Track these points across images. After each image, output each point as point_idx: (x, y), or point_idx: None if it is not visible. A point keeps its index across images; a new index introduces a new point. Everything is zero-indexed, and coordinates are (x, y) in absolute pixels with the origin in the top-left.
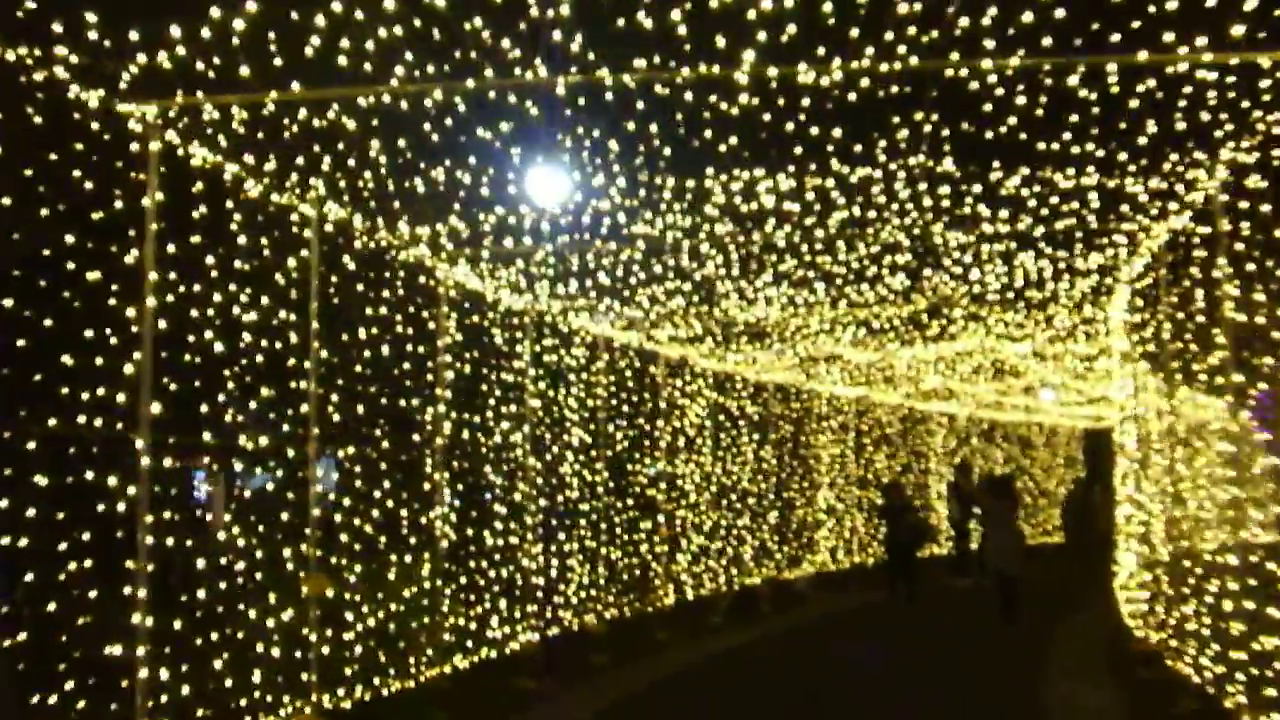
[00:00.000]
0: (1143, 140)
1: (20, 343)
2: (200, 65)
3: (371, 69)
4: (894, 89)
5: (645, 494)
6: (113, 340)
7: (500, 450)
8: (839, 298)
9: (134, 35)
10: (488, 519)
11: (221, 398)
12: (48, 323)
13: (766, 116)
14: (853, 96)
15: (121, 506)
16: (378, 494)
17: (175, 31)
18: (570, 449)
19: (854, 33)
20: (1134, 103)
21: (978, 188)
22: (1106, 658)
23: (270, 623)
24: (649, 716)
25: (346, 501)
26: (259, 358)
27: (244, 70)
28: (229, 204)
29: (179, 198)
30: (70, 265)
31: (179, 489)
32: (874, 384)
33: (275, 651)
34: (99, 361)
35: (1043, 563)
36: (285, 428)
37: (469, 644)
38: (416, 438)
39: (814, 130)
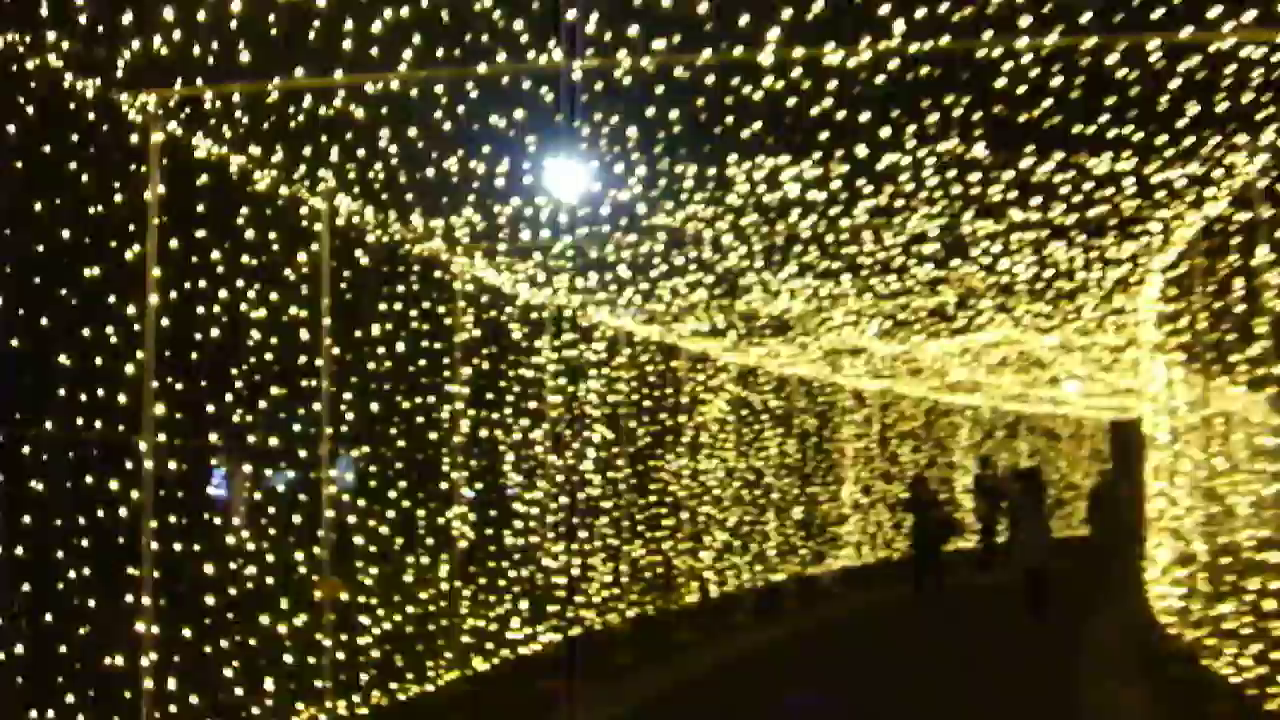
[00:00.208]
0: (1182, 123)
1: (14, 343)
2: (197, 50)
3: (378, 53)
4: (924, 71)
5: (668, 490)
6: (113, 339)
7: (519, 448)
8: (864, 289)
9: (126, 18)
10: (507, 518)
11: (229, 398)
12: (44, 322)
13: (791, 101)
14: (881, 79)
15: (124, 512)
16: (393, 494)
17: (169, 13)
18: (591, 446)
19: (883, 9)
20: (1175, 83)
21: (1009, 174)
22: (1139, 656)
23: (283, 628)
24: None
25: (361, 502)
26: (268, 356)
27: (244, 55)
28: (235, 197)
29: (182, 191)
30: (67, 262)
31: (186, 492)
32: (899, 377)
33: (288, 658)
34: (98, 362)
35: (1070, 557)
36: (296, 428)
37: (489, 646)
38: (433, 436)
39: (840, 115)
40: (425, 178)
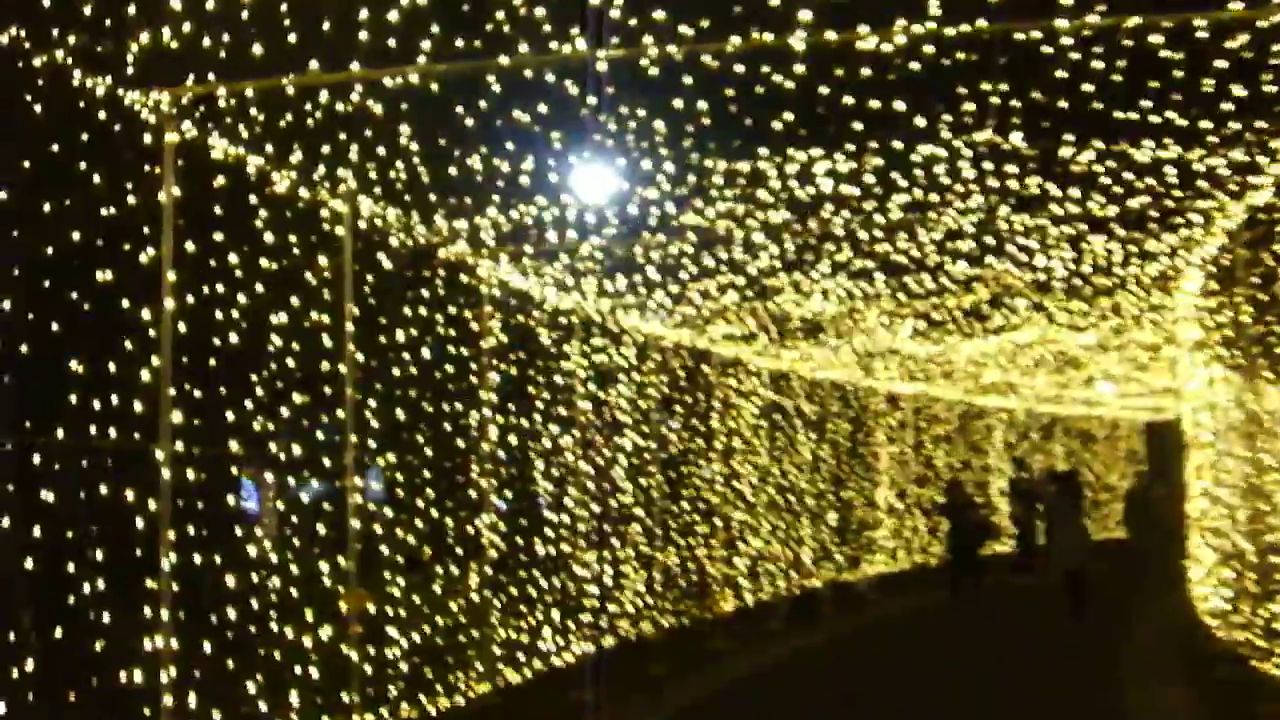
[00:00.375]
0: (1227, 106)
1: (23, 348)
2: (208, 42)
3: (395, 44)
4: (960, 55)
5: (701, 497)
6: (128, 345)
7: (550, 455)
8: (898, 288)
9: (131, 9)
10: (538, 527)
11: (249, 405)
12: (54, 327)
13: (824, 89)
14: (916, 65)
15: (141, 523)
16: (421, 503)
17: (177, 5)
18: (622, 452)
19: None
20: (1221, 63)
21: (1047, 165)
22: (1183, 657)
23: (308, 641)
24: None
25: (388, 512)
26: (290, 362)
27: (256, 49)
28: (253, 199)
29: (198, 193)
30: (78, 265)
31: (206, 502)
32: (933, 379)
33: (313, 672)
34: (112, 368)
35: (1108, 559)
36: (320, 436)
37: (520, 657)
38: (461, 444)
39: (874, 103)
40: (448, 177)
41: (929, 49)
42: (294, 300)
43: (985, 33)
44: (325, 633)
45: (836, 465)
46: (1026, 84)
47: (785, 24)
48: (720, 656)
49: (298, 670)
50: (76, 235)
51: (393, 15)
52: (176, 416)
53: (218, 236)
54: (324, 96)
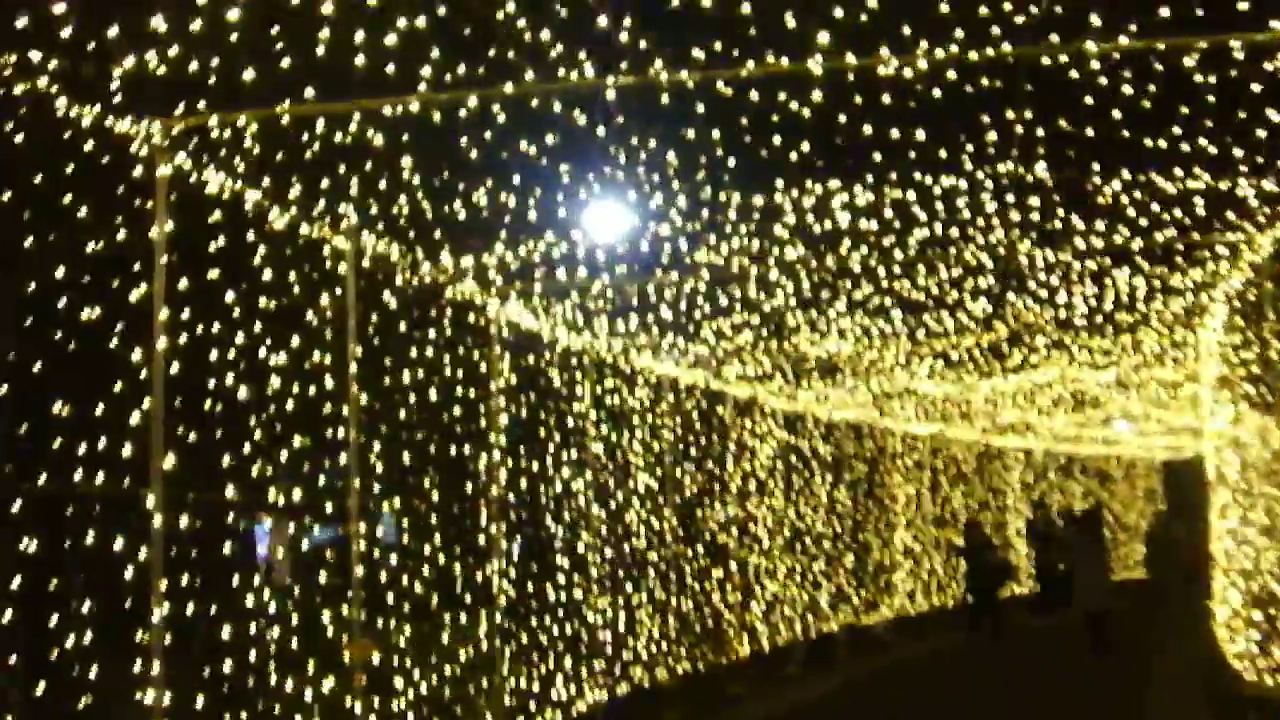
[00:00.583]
0: (1261, 132)
1: (6, 389)
2: (195, 67)
3: (394, 70)
4: (984, 82)
5: (716, 540)
6: (117, 386)
7: (561, 499)
8: (917, 326)
9: (114, 31)
10: (550, 572)
11: (247, 449)
12: (38, 367)
13: (842, 118)
14: (938, 93)
15: (131, 572)
16: (428, 549)
17: (160, 24)
18: (636, 495)
19: (943, 7)
20: (1257, 87)
21: (1072, 196)
22: (1210, 701)
23: (309, 694)
24: None
25: (394, 558)
26: (290, 404)
27: (248, 74)
28: (251, 235)
29: (192, 228)
30: (63, 302)
31: (201, 549)
32: (950, 420)
33: None
34: (100, 411)
35: (1128, 599)
36: (322, 480)
37: (531, 706)
38: (470, 488)
39: (894, 133)
40: (453, 212)
41: (952, 75)
42: (294, 340)
43: (1011, 56)
44: (328, 684)
45: (853, 507)
46: (1053, 111)
47: (802, 48)
48: (736, 702)
49: None
50: (62, 271)
51: (391, 39)
52: (169, 461)
53: (213, 274)
54: (321, 127)
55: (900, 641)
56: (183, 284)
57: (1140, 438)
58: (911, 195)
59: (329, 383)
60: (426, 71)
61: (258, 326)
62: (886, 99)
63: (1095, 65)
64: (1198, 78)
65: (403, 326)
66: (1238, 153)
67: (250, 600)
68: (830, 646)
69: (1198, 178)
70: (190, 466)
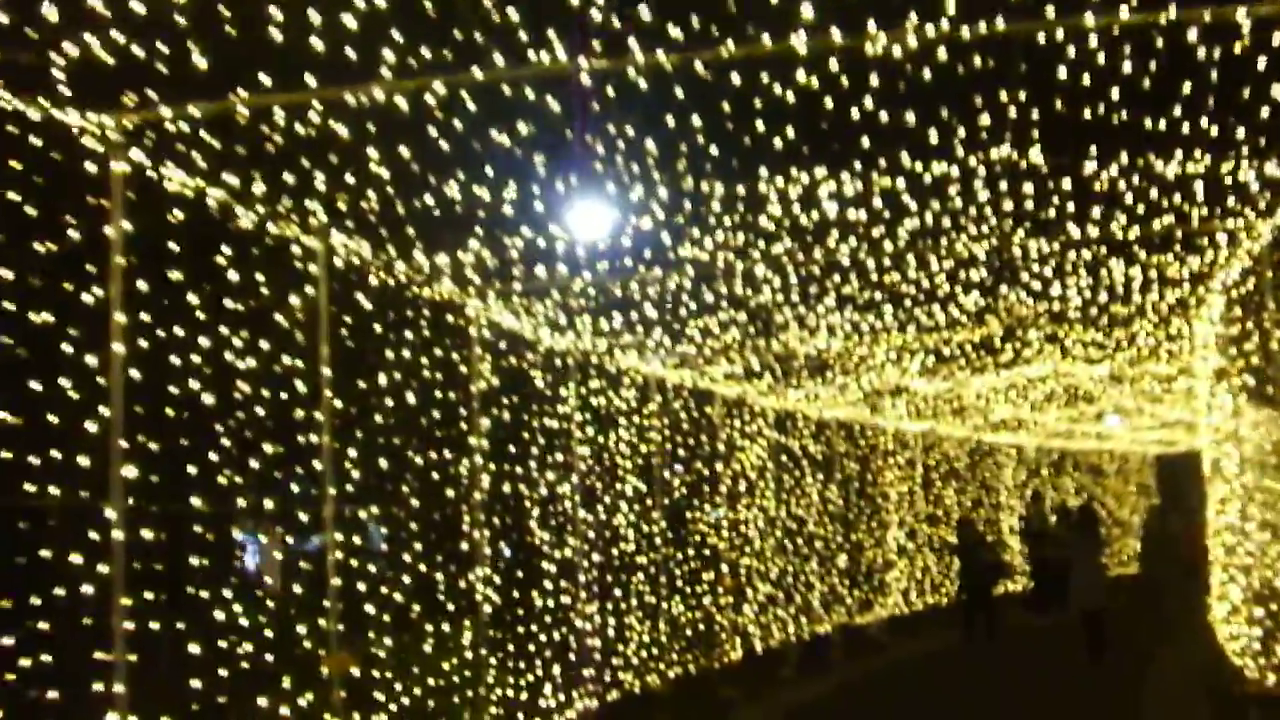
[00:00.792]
0: (1265, 112)
1: None
2: (140, 51)
3: (354, 55)
4: (976, 61)
5: (706, 542)
6: (71, 394)
7: (547, 503)
8: (907, 322)
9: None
10: (536, 579)
11: (215, 457)
12: None
13: (828, 101)
14: (928, 74)
15: (90, 588)
16: (408, 557)
17: (99, 6)
18: (624, 498)
19: None
20: (1262, 62)
21: (1067, 183)
22: (1210, 699)
23: (285, 710)
24: None
25: (372, 568)
26: (259, 410)
27: (198, 60)
28: (215, 235)
29: (152, 227)
30: (12, 306)
31: (166, 563)
32: (941, 417)
33: None
34: (53, 419)
35: (1123, 595)
36: (294, 488)
37: (519, 716)
38: (451, 493)
39: (883, 116)
40: (424, 207)
41: (943, 54)
42: (263, 344)
43: (1005, 34)
44: (306, 699)
45: (845, 506)
46: (1048, 93)
47: (786, 24)
48: (729, 706)
49: None
50: (8, 273)
51: (349, 21)
52: (130, 471)
53: (175, 275)
54: (280, 118)
55: (894, 641)
56: (142, 286)
57: (1133, 432)
58: (901, 183)
59: (301, 387)
60: (389, 55)
61: (224, 329)
62: (874, 80)
63: (1094, 42)
64: (1200, 53)
65: (378, 328)
66: (1240, 134)
67: (221, 614)
68: (824, 648)
69: (1198, 161)
70: (154, 476)
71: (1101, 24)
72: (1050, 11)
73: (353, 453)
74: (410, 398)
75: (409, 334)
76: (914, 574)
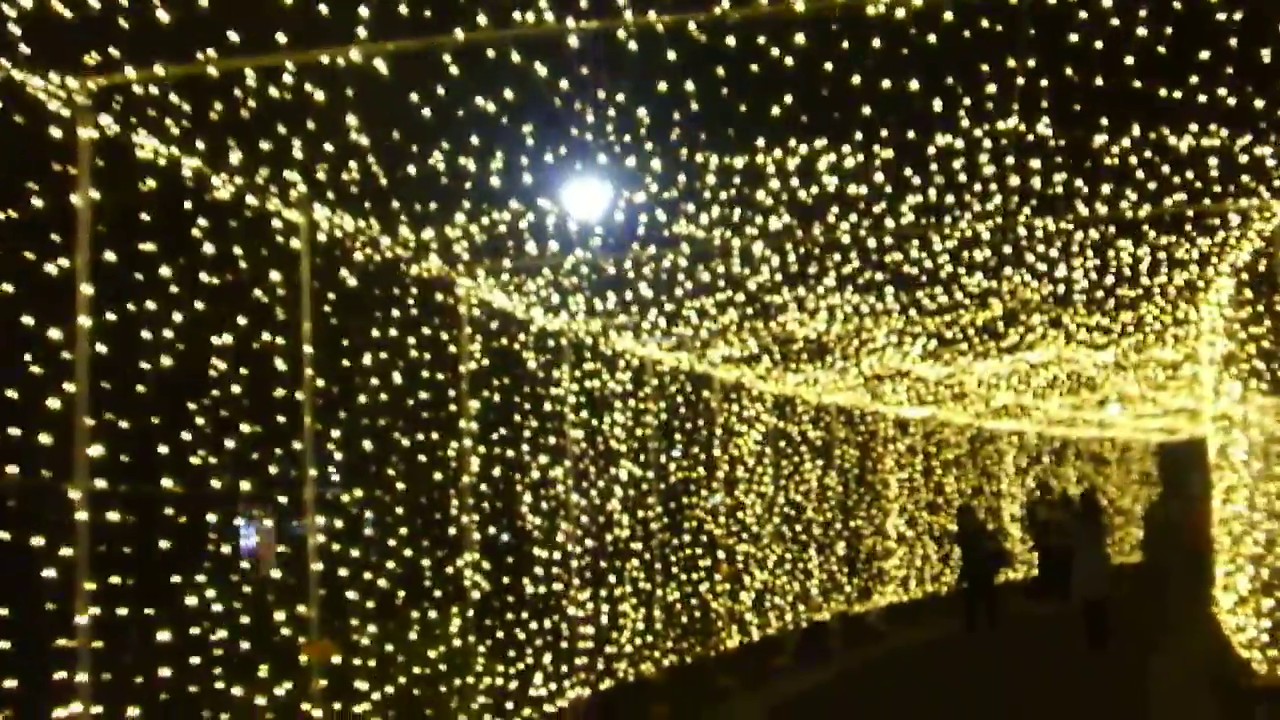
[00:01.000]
0: None
1: None
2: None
3: (327, 12)
4: (984, 24)
5: (703, 529)
6: (33, 368)
7: (538, 487)
8: (909, 304)
9: None
10: (526, 565)
11: (188, 436)
12: None
13: (828, 66)
14: (933, 38)
15: (53, 572)
16: (392, 542)
17: None
18: (619, 484)
19: None
20: None
21: (1076, 157)
22: (1215, 692)
23: (262, 700)
24: None
25: (354, 553)
26: (235, 388)
27: (162, 14)
28: (190, 205)
29: (122, 196)
30: None
31: (134, 546)
32: (943, 403)
33: None
34: (11, 394)
35: (1127, 584)
36: (273, 469)
37: (509, 706)
38: (438, 476)
39: (885, 83)
40: (408, 178)
41: (949, 16)
42: (241, 320)
43: None
44: (283, 689)
45: (844, 493)
46: (1058, 59)
47: None
48: (726, 695)
49: None
50: None
51: None
52: (96, 450)
53: (147, 246)
54: (252, 80)
55: (894, 630)
56: (110, 257)
57: (1135, 420)
58: (903, 156)
59: (281, 365)
60: (364, 12)
61: (199, 304)
62: (876, 43)
63: (1107, 3)
64: (1220, 16)
65: (363, 305)
66: (1259, 104)
67: (194, 600)
68: (823, 636)
69: (1213, 135)
70: (123, 456)
71: None
72: None
73: (336, 434)
74: (397, 378)
75: (396, 312)
76: (914, 562)
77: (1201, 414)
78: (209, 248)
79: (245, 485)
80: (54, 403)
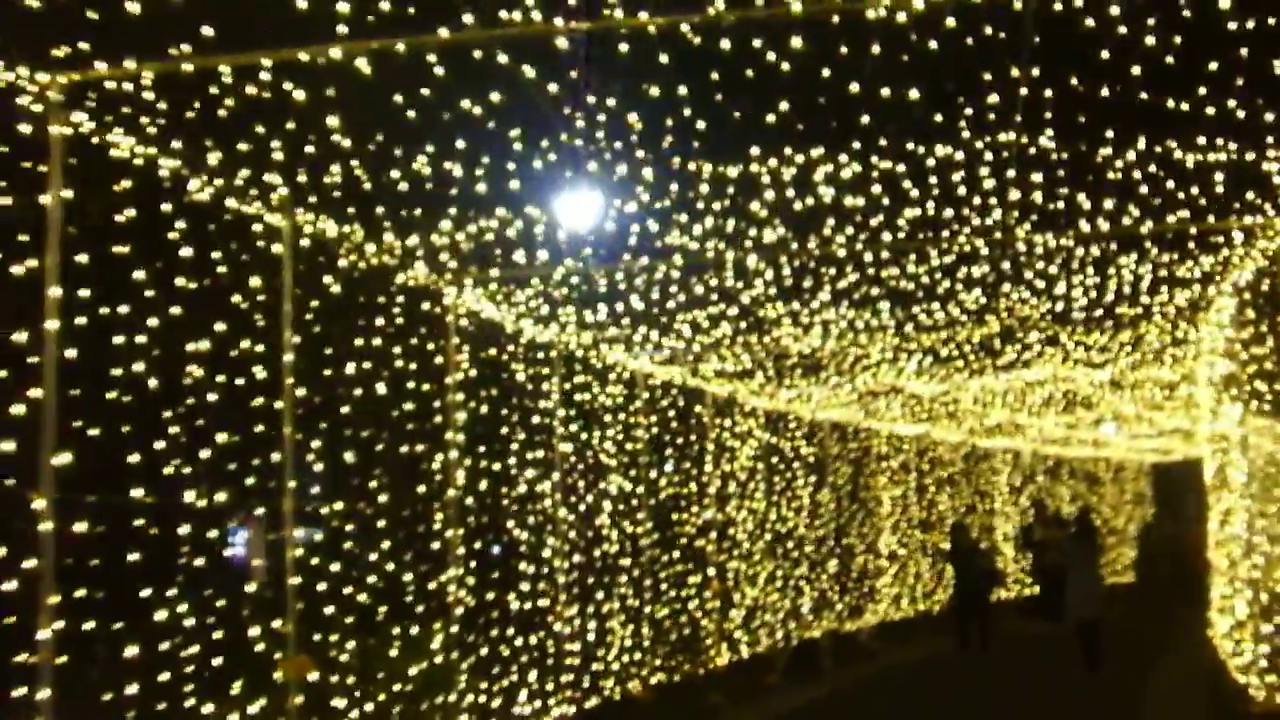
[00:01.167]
0: None
1: None
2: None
3: (306, 5)
4: (987, 30)
5: (693, 545)
6: None
7: (525, 502)
8: (905, 319)
9: None
10: (512, 579)
11: (161, 445)
12: None
13: (826, 72)
14: (934, 44)
15: (14, 584)
16: (374, 556)
17: None
18: (608, 498)
19: None
20: None
21: (1079, 171)
22: (1211, 716)
23: (235, 719)
24: None
25: (335, 566)
26: (212, 396)
27: (134, 6)
28: (168, 207)
29: (96, 196)
30: None
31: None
32: (937, 420)
33: None
34: None
35: (1120, 605)
36: (250, 480)
37: None
38: (422, 489)
39: (885, 91)
40: (392, 182)
41: (951, 22)
42: (219, 326)
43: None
44: (258, 707)
45: (837, 509)
46: (1063, 68)
47: None
48: (716, 713)
49: None
50: None
51: None
52: (62, 459)
53: (121, 249)
54: (229, 78)
55: (885, 648)
56: (82, 259)
57: (1130, 440)
58: (902, 168)
59: (260, 374)
60: (344, 8)
61: (175, 309)
62: (876, 49)
63: (1114, 10)
64: (1231, 25)
65: (347, 313)
66: (1269, 118)
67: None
68: (813, 654)
69: (1220, 149)
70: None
71: None
72: None
73: (317, 444)
74: (381, 388)
75: (381, 320)
76: (906, 580)
77: (1196, 435)
78: (186, 251)
79: (221, 496)
80: (19, 408)
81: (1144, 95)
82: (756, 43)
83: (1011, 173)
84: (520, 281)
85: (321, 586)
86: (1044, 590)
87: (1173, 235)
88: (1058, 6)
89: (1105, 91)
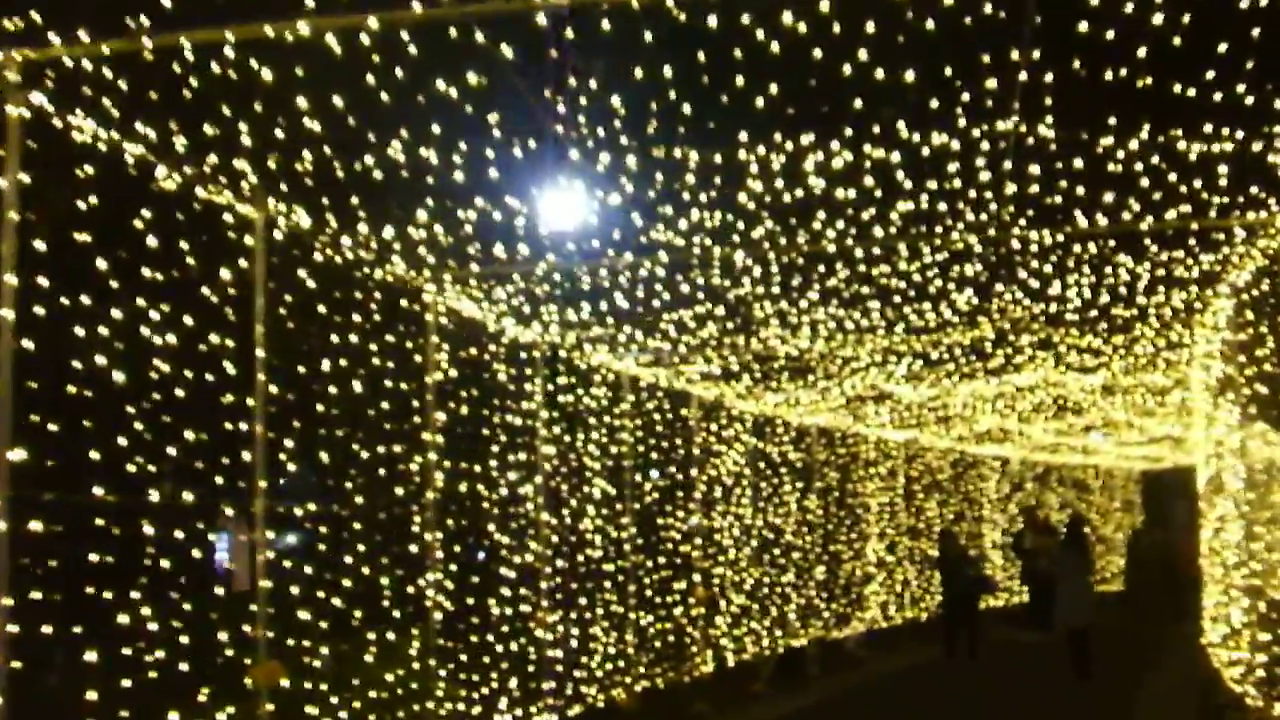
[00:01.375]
0: None
1: None
2: None
3: None
4: (986, 8)
5: (679, 551)
6: None
7: (507, 505)
8: (895, 320)
9: None
10: (492, 585)
11: (124, 441)
12: None
13: (817, 52)
14: (931, 24)
15: None
16: (349, 559)
17: None
18: (592, 502)
19: None
20: None
21: (1078, 163)
22: None
23: None
24: None
25: (307, 570)
26: (179, 392)
27: None
28: (132, 194)
29: (56, 181)
30: None
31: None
32: (925, 425)
33: None
34: None
35: (1111, 613)
36: (219, 480)
37: None
38: (400, 491)
39: (879, 73)
40: (366, 169)
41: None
42: (187, 319)
43: None
44: (226, 715)
45: (824, 516)
46: (1066, 50)
47: None
48: None
49: None
50: None
51: None
52: (18, 454)
53: (82, 236)
54: (189, 55)
55: (872, 656)
56: (39, 246)
57: (1119, 447)
58: (896, 157)
59: (230, 369)
60: None
61: (140, 300)
62: (870, 28)
63: None
64: (1244, 3)
65: (322, 309)
66: (1278, 105)
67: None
68: (800, 662)
69: (1225, 139)
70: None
71: None
72: None
73: (290, 444)
74: (357, 386)
75: (357, 317)
76: (894, 587)
77: (1188, 441)
78: (152, 240)
79: (188, 496)
80: None
81: (1149, 79)
82: (745, 19)
83: (1008, 165)
84: (501, 278)
85: (295, 590)
86: (1034, 598)
87: (1173, 233)
88: None
89: (1109, 75)
